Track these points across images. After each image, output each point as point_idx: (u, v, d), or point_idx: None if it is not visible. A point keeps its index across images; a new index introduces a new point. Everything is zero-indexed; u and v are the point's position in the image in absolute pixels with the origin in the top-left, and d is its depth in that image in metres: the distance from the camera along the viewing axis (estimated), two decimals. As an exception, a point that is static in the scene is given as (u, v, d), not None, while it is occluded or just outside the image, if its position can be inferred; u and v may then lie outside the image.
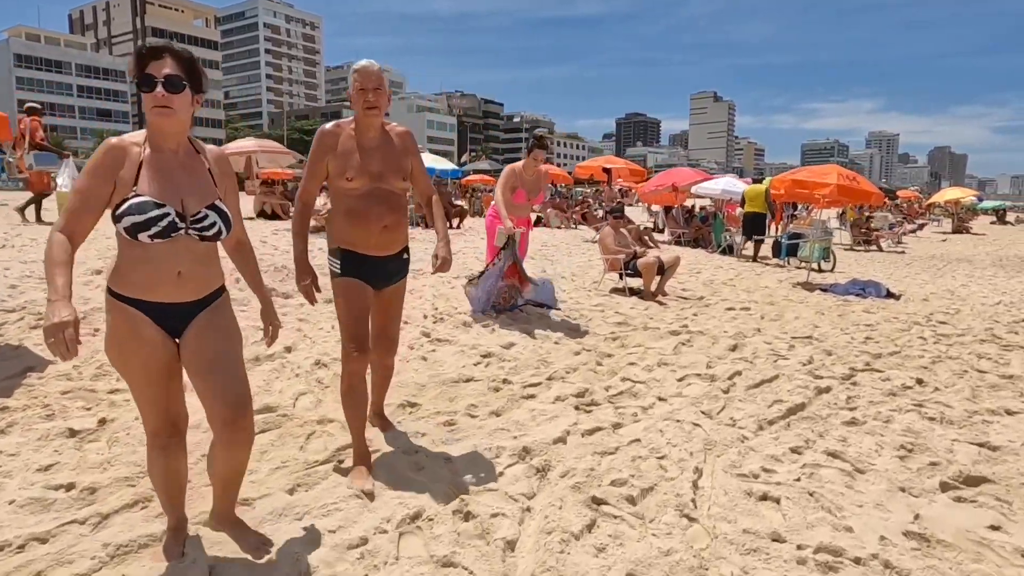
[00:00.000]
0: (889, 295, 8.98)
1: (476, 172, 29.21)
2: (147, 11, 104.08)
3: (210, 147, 2.17)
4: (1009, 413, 4.26)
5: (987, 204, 49.48)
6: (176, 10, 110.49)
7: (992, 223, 41.19)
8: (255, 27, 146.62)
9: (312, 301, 2.88)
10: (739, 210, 17.16)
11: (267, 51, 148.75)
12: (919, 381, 4.85)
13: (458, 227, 14.45)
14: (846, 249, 19.11)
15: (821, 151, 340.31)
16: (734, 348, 5.54)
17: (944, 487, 3.12)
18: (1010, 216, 45.51)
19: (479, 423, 3.60)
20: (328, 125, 2.86)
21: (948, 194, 31.37)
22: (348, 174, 2.77)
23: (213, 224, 2.03)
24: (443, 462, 3.10)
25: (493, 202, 5.86)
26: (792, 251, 12.29)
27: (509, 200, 5.71)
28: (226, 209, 2.08)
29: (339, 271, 2.88)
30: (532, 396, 4.07)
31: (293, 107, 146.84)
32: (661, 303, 7.25)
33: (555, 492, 2.86)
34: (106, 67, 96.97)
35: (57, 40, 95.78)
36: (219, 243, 2.14)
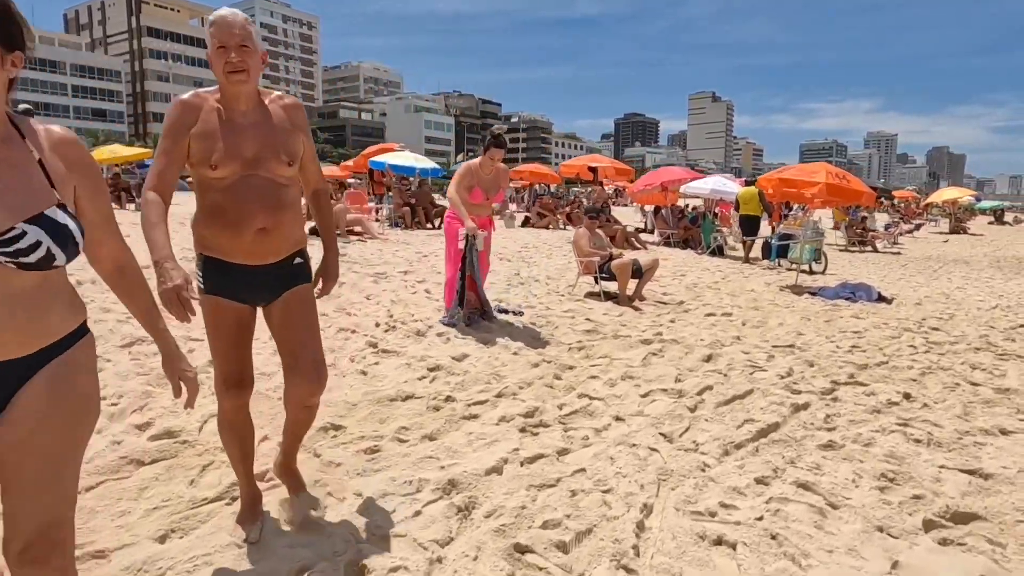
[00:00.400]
0: (880, 299, 8.59)
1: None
2: (142, 10, 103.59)
3: (50, 128, 1.51)
4: (1004, 433, 3.87)
5: (985, 204, 49.14)
6: (172, 9, 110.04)
7: (990, 223, 40.82)
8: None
9: (183, 316, 1.79)
10: (733, 212, 16.80)
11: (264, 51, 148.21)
12: (906, 396, 4.46)
13: (438, 227, 14.01)
14: (840, 250, 18.73)
15: (820, 151, 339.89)
16: (708, 359, 5.14)
17: (928, 526, 2.73)
18: (1008, 216, 45.14)
19: (406, 450, 3.20)
20: (187, 94, 2.19)
21: (945, 194, 31.00)
22: (213, 159, 2.13)
23: (35, 246, 1.35)
24: (352, 500, 2.69)
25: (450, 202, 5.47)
26: (782, 252, 11.89)
27: (466, 199, 5.31)
28: (68, 221, 1.41)
29: (202, 286, 2.26)
30: (474, 416, 3.67)
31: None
32: (637, 309, 6.85)
33: (474, 537, 2.46)
34: (101, 67, 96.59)
35: (51, 40, 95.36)
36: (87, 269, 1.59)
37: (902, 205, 37.02)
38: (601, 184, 27.20)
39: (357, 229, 10.65)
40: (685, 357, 5.14)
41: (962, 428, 3.87)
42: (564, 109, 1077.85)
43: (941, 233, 28.88)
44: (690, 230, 14.85)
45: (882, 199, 27.05)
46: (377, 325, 5.37)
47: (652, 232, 16.08)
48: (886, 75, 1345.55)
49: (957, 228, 29.45)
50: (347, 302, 6.10)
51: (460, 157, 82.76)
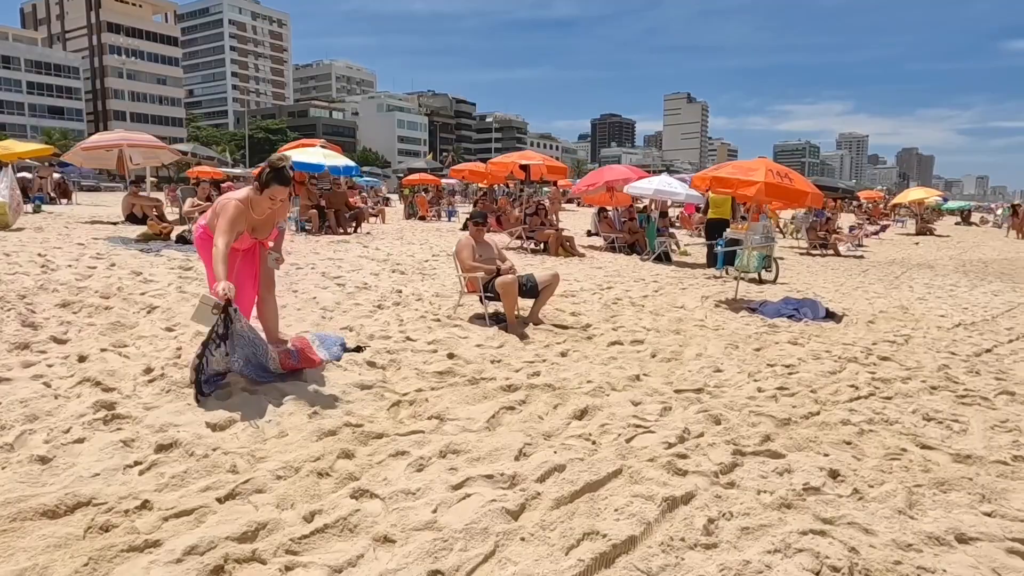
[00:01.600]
0: (829, 316, 7.43)
1: (412, 171, 27.38)
2: (102, 5, 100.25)
3: None
4: (963, 541, 2.66)
5: (952, 204, 48.97)
6: (133, 4, 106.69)
7: (957, 224, 40.45)
8: (219, 24, 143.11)
9: None
10: (698, 215, 15.70)
11: (232, 48, 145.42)
12: (833, 474, 3.23)
13: (354, 231, 12.64)
14: (801, 253, 17.72)
15: (793, 152, 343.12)
16: (582, 414, 3.88)
17: None
18: (974, 216, 44.92)
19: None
20: None
21: (912, 194, 30.31)
22: None
23: None
24: None
25: (202, 220, 3.96)
26: (729, 260, 10.73)
27: (226, 253, 3.59)
28: None
29: None
30: (149, 547, 2.34)
31: (260, 106, 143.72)
32: (525, 336, 5.57)
33: None
34: (58, 63, 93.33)
35: (6, 34, 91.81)
36: None
37: (869, 206, 36.39)
38: (555, 184, 26.03)
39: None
40: (551, 414, 3.87)
41: (903, 538, 2.64)
42: (542, 110, 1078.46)
43: (908, 235, 28.16)
44: (636, 233, 13.66)
45: (842, 199, 26.14)
46: (147, 371, 4.00)
47: (598, 235, 14.87)
48: (857, 78, 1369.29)
49: (923, 229, 28.76)
50: (126, 328, 4.74)
51: (429, 158, 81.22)
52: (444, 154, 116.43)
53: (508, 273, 5.79)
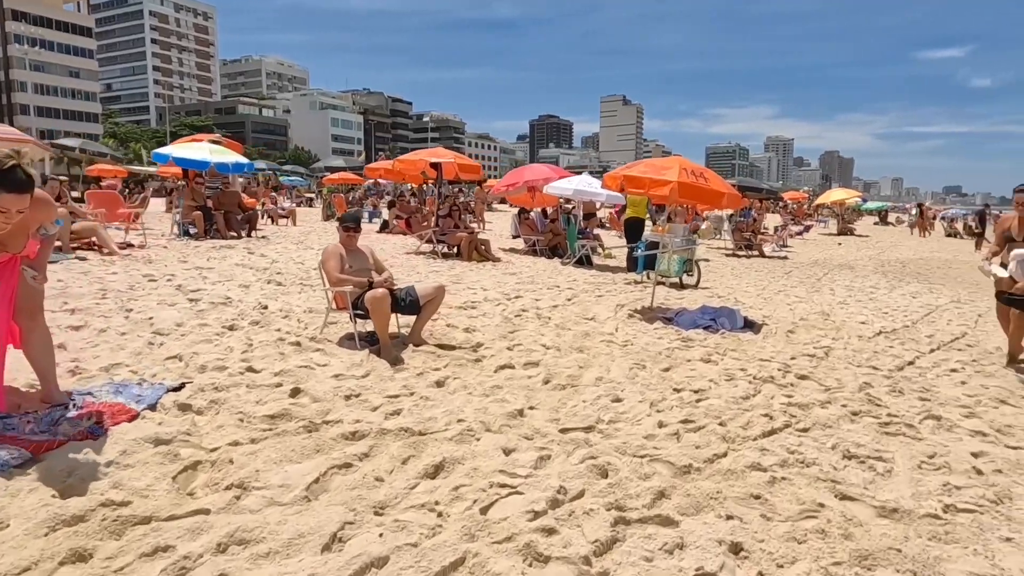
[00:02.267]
0: (747, 325, 6.92)
1: (330, 169, 26.06)
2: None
3: None
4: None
5: (870, 205, 50.93)
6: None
7: (875, 223, 41.98)
8: (139, 15, 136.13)
9: None
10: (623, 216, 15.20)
11: (153, 41, 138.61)
12: (735, 549, 2.55)
13: (248, 235, 11.50)
14: (727, 255, 17.55)
15: (724, 154, 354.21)
16: (437, 471, 3.10)
17: None
18: (891, 216, 46.78)
19: None
20: None
21: (833, 195, 31.09)
22: None
23: None
24: None
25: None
26: (649, 264, 10.21)
27: None
28: None
29: None
30: None
31: (184, 102, 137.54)
32: (398, 361, 4.74)
33: None
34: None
35: None
36: None
37: (794, 207, 37.23)
38: (481, 184, 25.25)
39: (95, 240, 8.09)
40: (397, 471, 3.07)
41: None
42: (481, 110, 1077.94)
43: (831, 235, 28.78)
44: (559, 236, 13.03)
45: (766, 200, 26.47)
46: None
47: (518, 238, 14.16)
48: (784, 83, 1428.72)
49: (845, 229, 29.47)
50: None
51: (362, 158, 78.97)
52: (380, 153, 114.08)
53: (382, 286, 4.95)
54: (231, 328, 5.16)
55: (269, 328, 5.29)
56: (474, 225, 20.92)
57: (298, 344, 4.89)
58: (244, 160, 11.63)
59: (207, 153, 10.96)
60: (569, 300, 7.99)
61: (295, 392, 3.96)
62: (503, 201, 33.08)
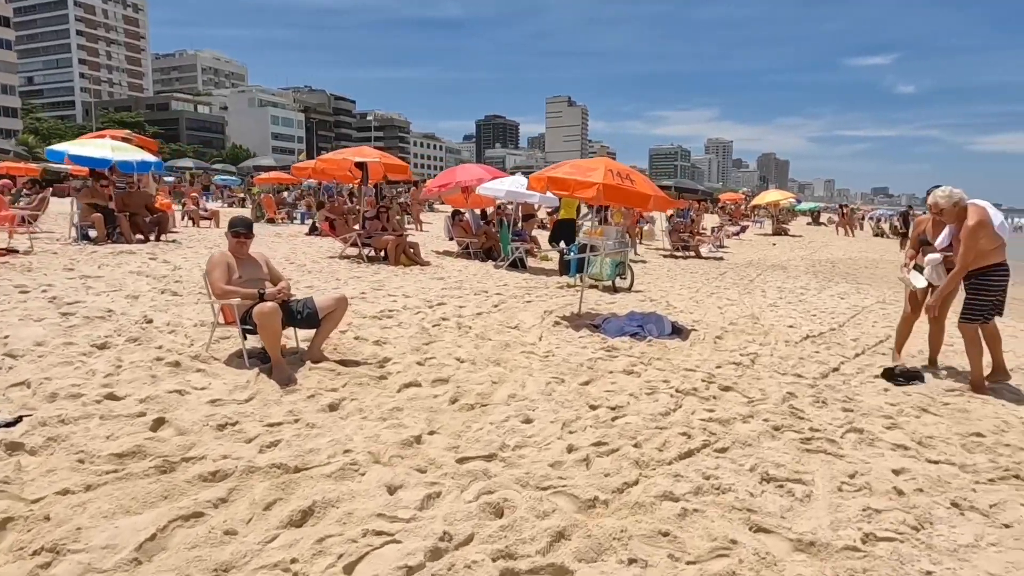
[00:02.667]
0: (675, 331, 6.72)
1: (260, 168, 25.02)
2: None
3: None
4: None
5: (804, 206, 52.59)
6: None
7: (808, 224, 43.33)
8: (63, 5, 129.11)
9: None
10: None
11: (79, 33, 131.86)
12: (633, 604, 2.24)
13: (158, 239, 10.73)
14: (665, 256, 17.58)
15: (667, 155, 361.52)
16: (304, 518, 2.68)
17: None
18: (823, 217, 48.42)
19: None
20: None
21: (768, 196, 31.83)
22: None
23: None
24: None
25: None
26: (582, 267, 9.97)
27: None
28: None
29: None
30: None
31: (114, 97, 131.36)
32: (290, 382, 4.29)
33: None
34: None
35: None
36: None
37: (732, 207, 38.03)
38: (417, 184, 24.70)
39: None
40: (256, 519, 2.63)
41: None
42: (428, 110, 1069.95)
43: (766, 235, 29.41)
44: (493, 238, 12.69)
45: (703, 202, 26.85)
46: None
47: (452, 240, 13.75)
48: (724, 87, 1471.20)
49: (779, 229, 30.19)
50: None
51: (302, 157, 76.78)
52: (322, 153, 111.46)
53: (274, 298, 4.48)
54: (102, 347, 4.58)
55: (148, 346, 4.74)
56: (411, 227, 20.41)
57: (177, 364, 4.37)
58: (151, 158, 10.80)
59: (108, 151, 10.11)
60: (495, 307, 7.64)
61: (158, 423, 3.46)
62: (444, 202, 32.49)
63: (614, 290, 9.78)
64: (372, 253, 10.68)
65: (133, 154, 10.53)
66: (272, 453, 3.24)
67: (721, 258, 18.22)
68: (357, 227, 11.17)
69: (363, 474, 3.10)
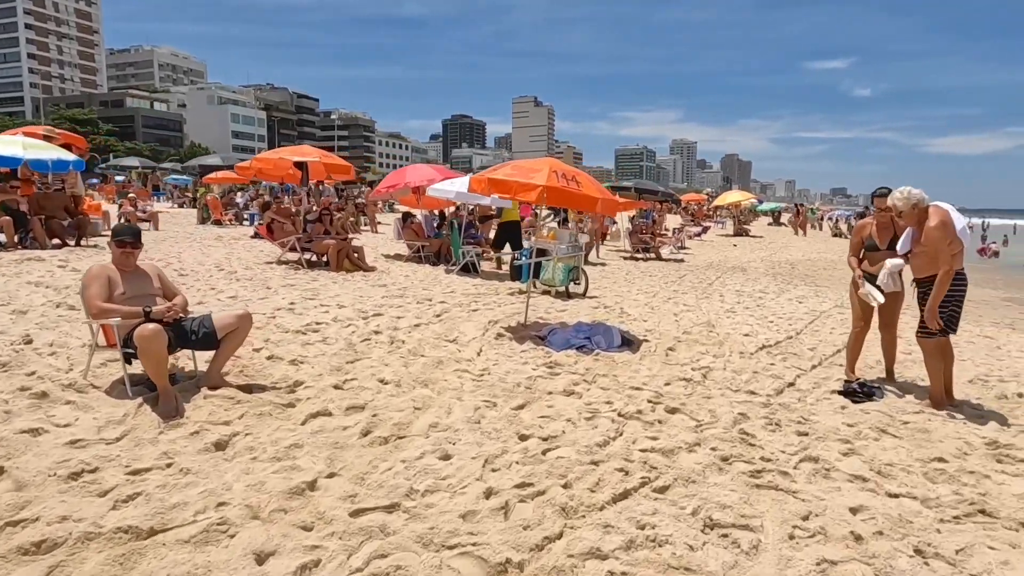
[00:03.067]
0: (625, 343, 6.32)
1: (205, 168, 24.02)
2: None
3: None
4: None
5: (765, 207, 53.12)
6: None
7: (769, 224, 43.73)
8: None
9: None
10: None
11: (28, 26, 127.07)
12: None
13: (77, 244, 9.95)
14: (625, 258, 17.28)
15: (632, 156, 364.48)
16: (137, 605, 2.15)
17: None
18: (784, 218, 48.99)
19: None
20: None
21: (730, 197, 31.93)
22: None
23: None
24: None
25: None
26: (536, 272, 9.54)
27: None
28: None
29: None
30: None
31: (65, 93, 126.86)
32: (176, 414, 3.73)
33: None
34: None
35: None
36: None
37: (694, 208, 38.14)
38: (360, 183, 23.92)
39: None
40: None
41: None
42: (395, 109, 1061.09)
43: (727, 236, 29.46)
44: (444, 241, 12.17)
45: (664, 203, 26.72)
46: None
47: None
48: (688, 89, 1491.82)
49: (740, 230, 30.29)
50: None
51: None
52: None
53: (164, 316, 3.92)
54: (-41, 376, 3.96)
55: (17, 372, 4.12)
56: (367, 229, 19.75)
57: (43, 395, 3.78)
58: (69, 156, 9.96)
59: (19, 148, 9.28)
60: (437, 317, 7.15)
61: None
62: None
63: (567, 296, 9.37)
64: (313, 258, 10.07)
65: (47, 152, 9.71)
66: (125, 511, 2.70)
67: (682, 260, 18.02)
68: (291, 229, 10.52)
69: (232, 536, 2.58)
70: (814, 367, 6.01)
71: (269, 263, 10.08)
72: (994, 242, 28.87)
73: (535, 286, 9.72)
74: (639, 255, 17.73)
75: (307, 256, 10.04)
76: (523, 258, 9.70)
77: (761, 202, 56.02)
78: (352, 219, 18.78)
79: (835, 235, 36.54)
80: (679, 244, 20.69)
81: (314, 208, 10.95)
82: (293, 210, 13.44)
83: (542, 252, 9.59)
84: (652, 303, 9.52)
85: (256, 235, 14.11)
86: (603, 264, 15.27)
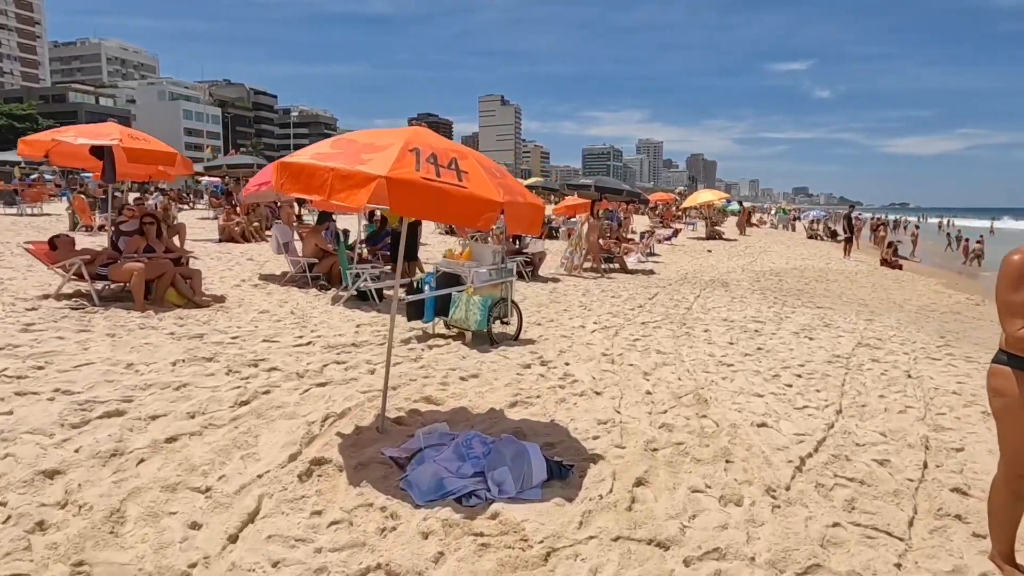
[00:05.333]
0: (553, 475, 3.35)
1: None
2: None
3: None
4: None
5: (735, 207, 51.00)
6: None
7: (738, 224, 41.43)
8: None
9: None
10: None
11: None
12: None
13: None
14: (586, 270, 14.39)
15: (599, 156, 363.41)
16: None
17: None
18: (753, 217, 46.84)
19: None
20: None
21: (701, 197, 29.29)
22: None
23: None
24: None
25: None
26: (442, 309, 6.55)
27: None
28: None
29: None
30: None
31: (4, 87, 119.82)
32: None
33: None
34: None
35: None
36: None
37: (662, 208, 35.61)
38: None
39: None
40: None
41: None
42: (362, 107, 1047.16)
43: (699, 238, 26.84)
44: (332, 257, 9.07)
45: (629, 204, 23.94)
46: None
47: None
48: (653, 89, 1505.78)
49: (713, 232, 27.72)
50: None
51: (208, 153, 70.52)
52: (242, 150, 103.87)
53: None
54: None
55: None
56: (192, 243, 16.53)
57: None
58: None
59: None
60: (243, 405, 4.10)
61: None
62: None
63: (491, 342, 6.39)
64: (110, 286, 6.87)
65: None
66: None
67: (651, 271, 15.21)
68: (106, 243, 7.32)
69: None
70: (912, 521, 3.14)
71: (46, 296, 6.83)
72: (978, 240, 26.67)
73: (447, 326, 6.71)
74: (601, 265, 14.78)
75: (101, 286, 6.83)
76: (425, 288, 6.69)
77: (731, 202, 53.93)
78: (256, 224, 15.55)
79: (811, 237, 34.34)
80: (648, 251, 17.90)
81: (125, 214, 7.78)
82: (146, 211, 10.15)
83: (452, 279, 6.59)
84: (613, 348, 6.61)
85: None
86: (555, 280, 12.37)
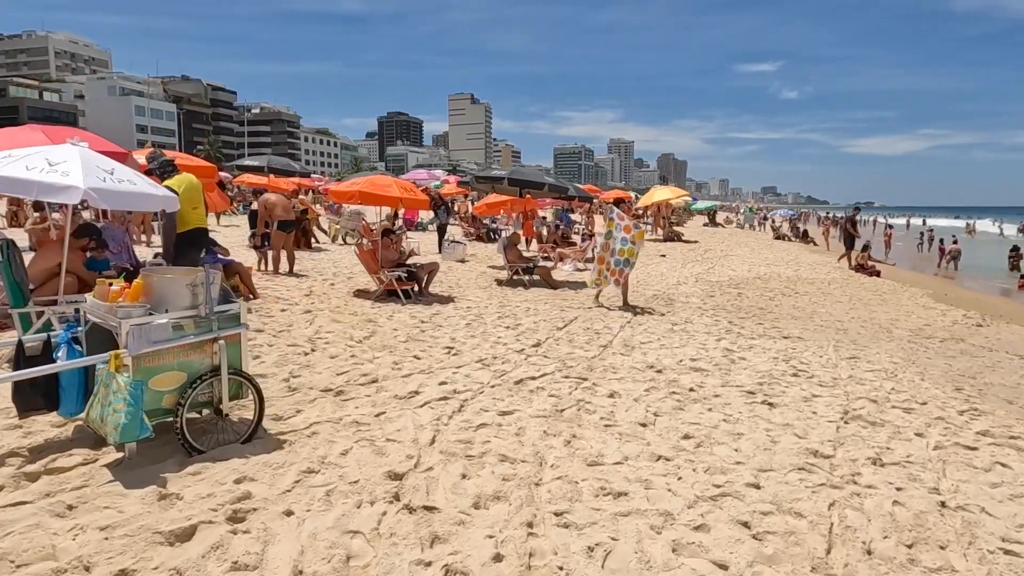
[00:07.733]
0: None
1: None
2: None
3: None
4: None
5: (701, 205, 48.78)
6: None
7: (705, 225, 39.09)
8: None
9: None
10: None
11: None
12: None
13: None
14: (500, 283, 11.45)
15: (571, 155, 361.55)
16: None
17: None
18: (719, 217, 44.61)
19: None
20: None
21: (658, 195, 26.41)
22: None
23: None
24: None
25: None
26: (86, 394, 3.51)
27: None
28: None
29: None
30: None
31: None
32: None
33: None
34: None
35: None
36: None
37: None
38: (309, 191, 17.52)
39: None
40: None
41: None
42: (331, 106, 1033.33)
43: (656, 240, 24.10)
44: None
45: (584, 201, 21.04)
46: None
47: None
48: (624, 89, 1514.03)
49: (671, 234, 25.01)
50: None
51: (148, 150, 66.12)
52: (199, 148, 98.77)
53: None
54: None
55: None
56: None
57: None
58: None
59: None
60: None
61: None
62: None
63: (189, 453, 3.40)
64: None
65: None
66: None
67: (584, 283, 12.27)
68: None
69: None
70: None
71: None
72: (954, 241, 24.39)
73: (106, 426, 3.71)
74: (517, 276, 11.86)
75: None
76: (60, 350, 3.62)
77: (696, 200, 51.71)
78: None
79: (778, 237, 31.98)
80: (586, 257, 15.04)
81: None
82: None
83: (106, 337, 3.57)
84: (417, 461, 3.66)
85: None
86: (449, 300, 9.41)
